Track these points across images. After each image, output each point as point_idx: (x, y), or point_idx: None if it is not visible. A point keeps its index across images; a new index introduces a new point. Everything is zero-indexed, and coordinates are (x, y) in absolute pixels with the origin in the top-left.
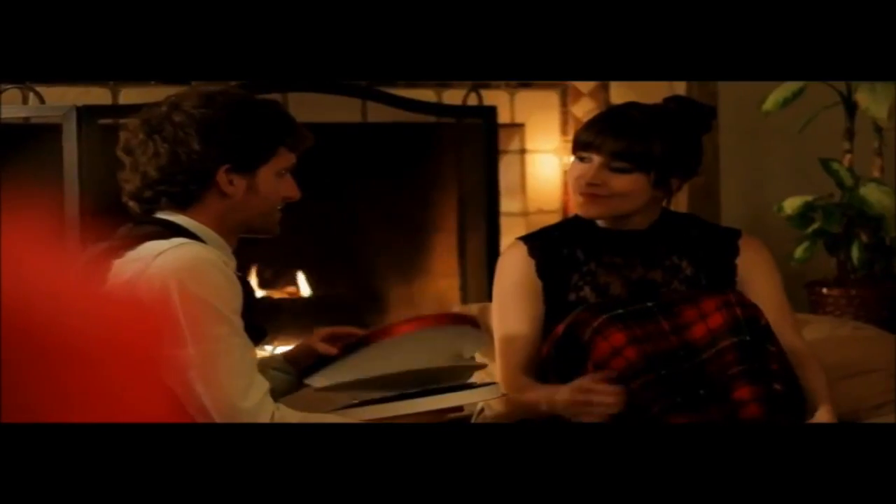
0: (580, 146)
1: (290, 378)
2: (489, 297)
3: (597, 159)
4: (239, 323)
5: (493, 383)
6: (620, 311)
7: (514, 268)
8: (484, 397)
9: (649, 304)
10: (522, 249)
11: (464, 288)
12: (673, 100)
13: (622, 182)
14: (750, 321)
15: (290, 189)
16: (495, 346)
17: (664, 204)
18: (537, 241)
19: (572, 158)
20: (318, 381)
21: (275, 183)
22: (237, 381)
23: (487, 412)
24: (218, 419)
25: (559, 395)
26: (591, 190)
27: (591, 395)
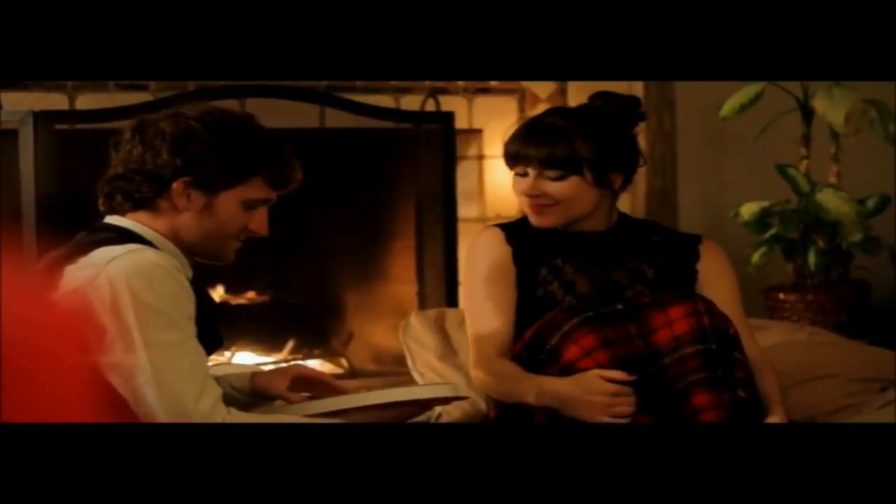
0: (509, 161)
1: (246, 402)
2: (447, 303)
3: (531, 171)
4: (191, 329)
5: (454, 384)
6: (591, 313)
7: (491, 252)
8: (447, 393)
9: (619, 306)
10: (500, 235)
11: (421, 293)
12: (598, 97)
13: (560, 188)
14: (717, 330)
15: (257, 224)
16: (468, 330)
17: (614, 203)
18: (513, 230)
19: (512, 174)
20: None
21: (237, 211)
22: (189, 388)
23: (445, 418)
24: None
25: (562, 389)
26: (535, 202)
27: (611, 400)
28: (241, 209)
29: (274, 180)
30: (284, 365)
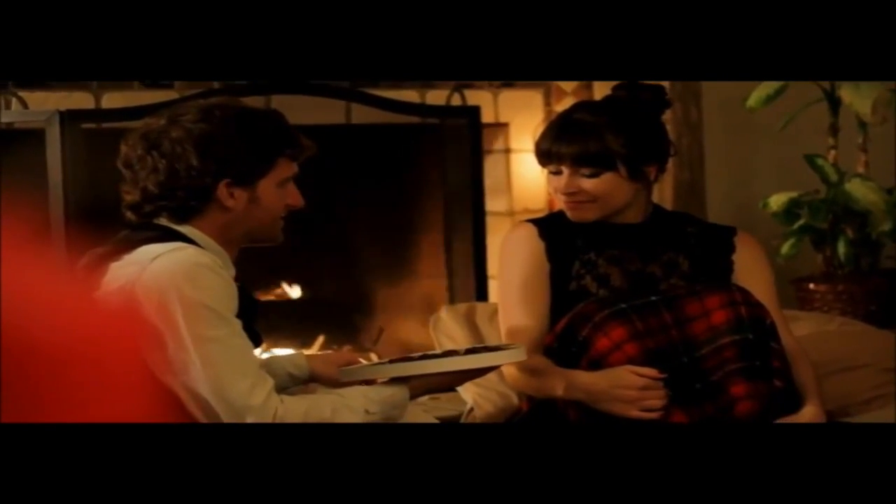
0: (542, 159)
1: (300, 384)
2: (477, 297)
3: (565, 169)
4: (237, 323)
5: (518, 346)
6: (623, 305)
7: (524, 248)
8: (509, 360)
9: (654, 297)
10: (533, 231)
11: (451, 288)
12: (621, 87)
13: (596, 185)
14: (754, 320)
15: (293, 197)
16: (501, 327)
17: (649, 195)
18: (546, 225)
19: (546, 171)
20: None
21: (276, 193)
22: (242, 381)
23: (477, 412)
24: (226, 419)
25: (591, 383)
26: (571, 199)
27: (641, 394)
28: (278, 191)
29: (295, 154)
30: (335, 351)
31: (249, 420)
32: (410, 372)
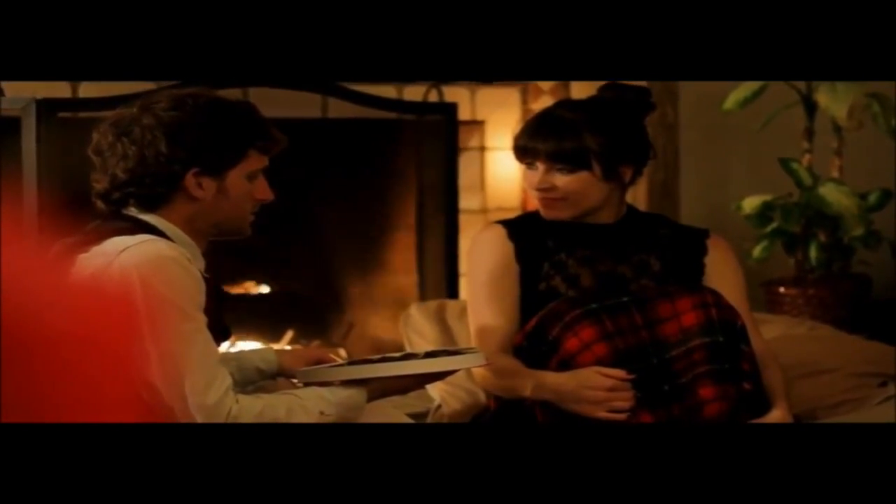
0: (518, 154)
1: (269, 378)
2: (447, 294)
3: (540, 165)
4: (201, 319)
5: (478, 350)
6: (594, 305)
7: (493, 250)
8: (468, 364)
9: (625, 298)
10: (502, 232)
11: (422, 285)
12: (608, 88)
13: (569, 182)
14: (725, 322)
15: (262, 191)
16: (470, 327)
17: (623, 196)
18: (516, 226)
19: (522, 167)
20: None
21: (245, 185)
22: (198, 379)
23: (444, 409)
24: (179, 415)
25: (559, 384)
26: (544, 195)
27: (609, 395)
28: (247, 183)
29: (265, 147)
30: (304, 347)
31: (201, 418)
32: (368, 374)
